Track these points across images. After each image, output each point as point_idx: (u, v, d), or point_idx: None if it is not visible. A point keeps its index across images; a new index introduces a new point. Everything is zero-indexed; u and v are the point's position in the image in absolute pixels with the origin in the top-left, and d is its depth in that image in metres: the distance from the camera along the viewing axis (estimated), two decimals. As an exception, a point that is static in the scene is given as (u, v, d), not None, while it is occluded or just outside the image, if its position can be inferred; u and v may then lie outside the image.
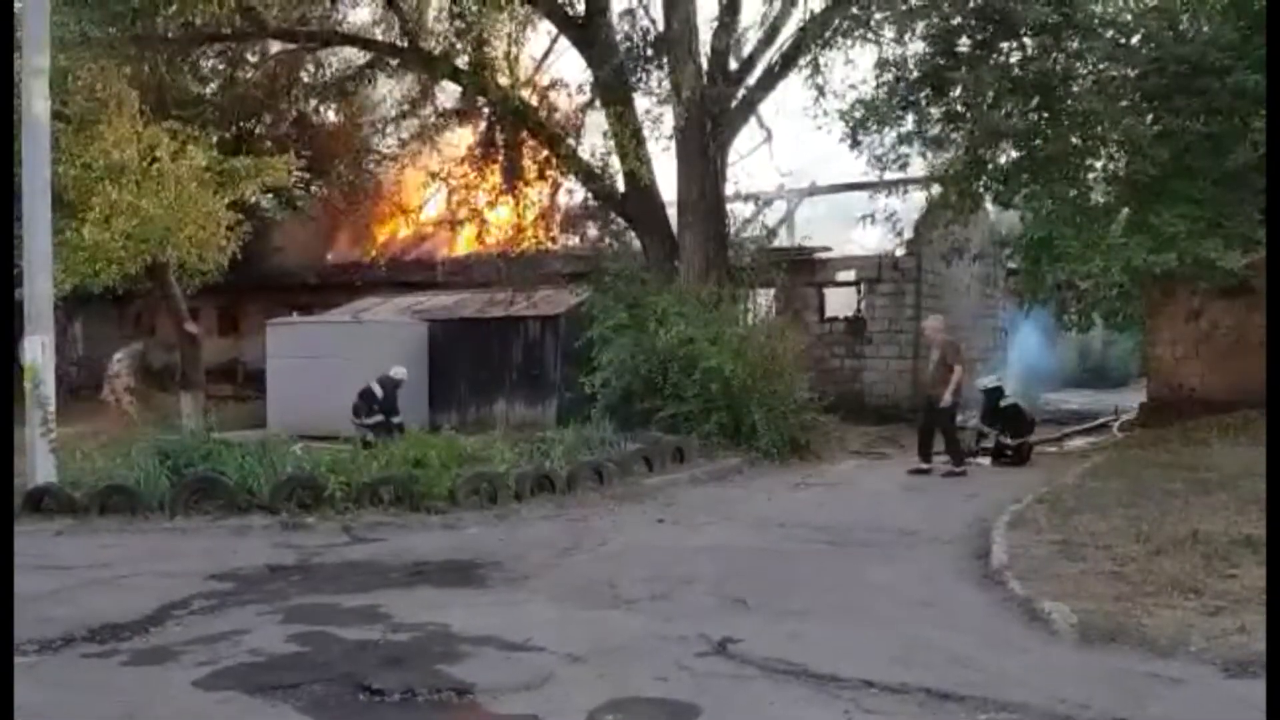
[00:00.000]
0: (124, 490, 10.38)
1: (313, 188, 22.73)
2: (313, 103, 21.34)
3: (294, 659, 5.67)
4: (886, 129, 12.80)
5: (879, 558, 8.14)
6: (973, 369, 16.46)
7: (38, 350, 10.73)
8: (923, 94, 12.37)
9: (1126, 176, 11.70)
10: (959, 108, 12.28)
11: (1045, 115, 11.71)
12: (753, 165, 17.40)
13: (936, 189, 15.01)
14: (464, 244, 20.62)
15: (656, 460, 12.64)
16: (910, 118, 12.68)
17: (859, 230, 19.44)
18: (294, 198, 22.51)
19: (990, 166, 12.44)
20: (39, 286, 10.77)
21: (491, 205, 16.64)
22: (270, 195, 20.24)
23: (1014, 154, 12.42)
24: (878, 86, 12.94)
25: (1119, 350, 32.11)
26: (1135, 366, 32.45)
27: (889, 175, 15.45)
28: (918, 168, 15.18)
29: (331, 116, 21.88)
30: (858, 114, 12.71)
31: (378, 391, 15.47)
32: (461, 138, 18.20)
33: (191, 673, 5.40)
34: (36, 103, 10.85)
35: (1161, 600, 5.99)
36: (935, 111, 12.50)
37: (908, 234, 17.96)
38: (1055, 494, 9.72)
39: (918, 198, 18.62)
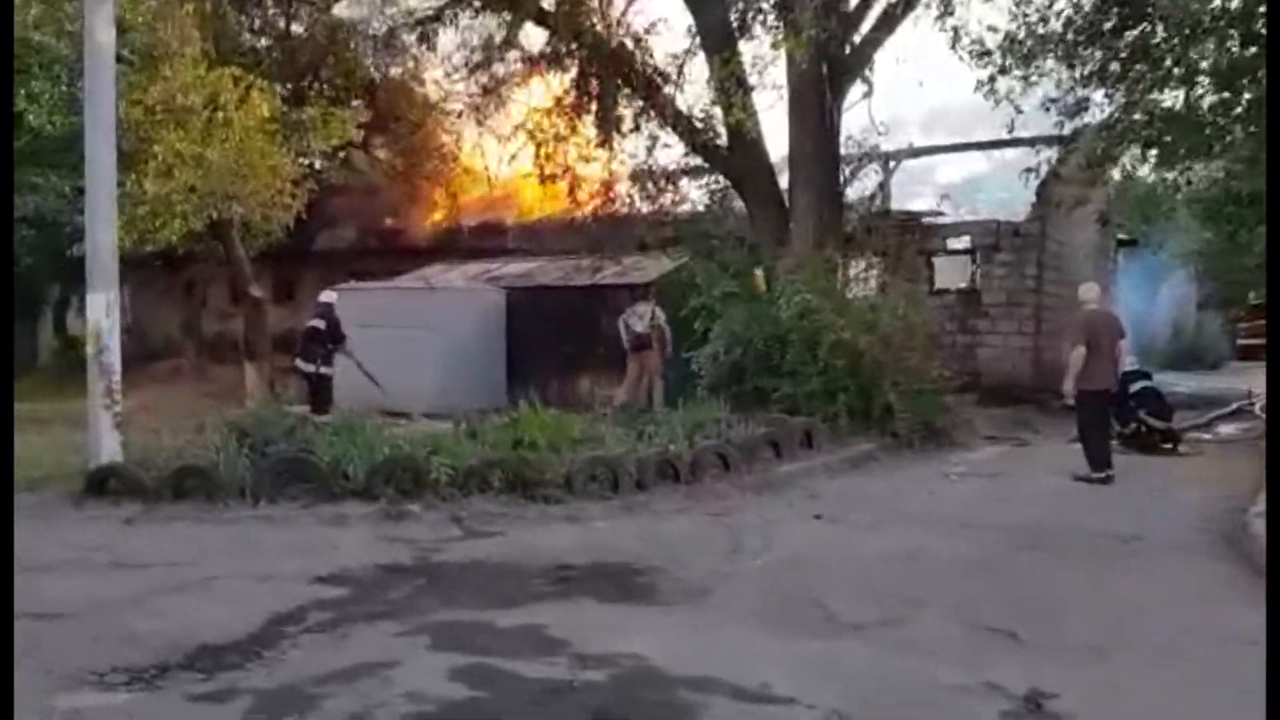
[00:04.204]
0: (200, 472, 9.10)
1: (372, 148, 21.39)
2: (376, 55, 19.95)
3: (470, 709, 4.33)
4: (1054, 67, 11.09)
5: (1122, 571, 6.72)
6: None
7: (101, 310, 9.45)
8: (1108, 24, 10.65)
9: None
10: (1155, 41, 10.59)
11: (1254, 50, 10.05)
12: (853, 121, 15.43)
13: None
14: (539, 207, 19.23)
15: (785, 445, 11.22)
16: (1095, 53, 10.99)
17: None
18: (352, 158, 21.18)
19: (1187, 111, 10.74)
20: (102, 238, 9.48)
21: (584, 160, 15.16)
22: (329, 154, 18.88)
23: (1213, 98, 10.75)
24: (1035, 20, 11.26)
25: (1210, 330, 30.44)
26: (1226, 347, 30.92)
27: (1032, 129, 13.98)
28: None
29: (396, 71, 20.46)
30: (1021, 48, 11.01)
31: (320, 325, 13.58)
32: (541, 91, 16.70)
33: (341, 731, 4.07)
34: (101, 33, 9.55)
35: None
36: (1123, 43, 10.74)
37: (1029, 198, 16.42)
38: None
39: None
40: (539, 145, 15.19)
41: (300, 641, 5.40)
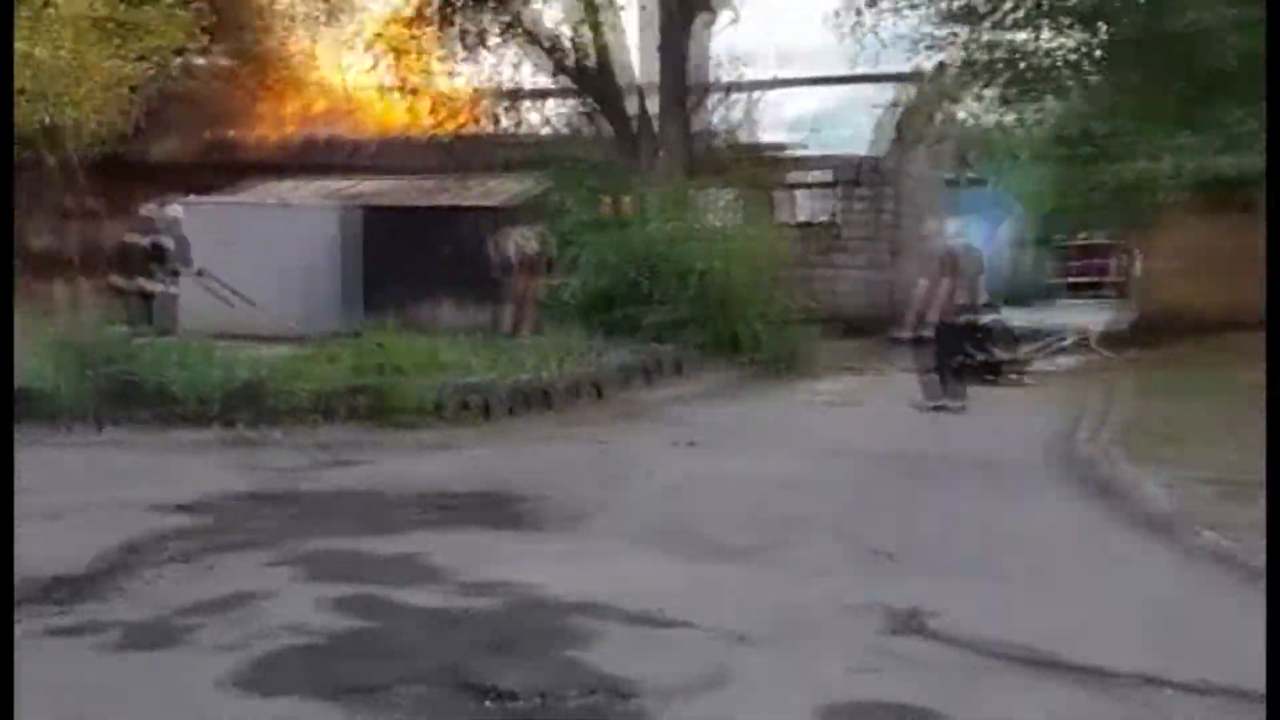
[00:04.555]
0: (39, 395, 8.46)
1: (213, 54, 20.05)
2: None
3: (357, 640, 4.16)
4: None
5: (983, 494, 6.98)
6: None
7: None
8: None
9: (1199, 68, 10.50)
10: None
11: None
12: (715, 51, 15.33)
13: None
14: (396, 124, 18.44)
15: (656, 373, 11.25)
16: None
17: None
18: (193, 66, 19.83)
19: (1044, 51, 11.04)
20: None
21: (446, 75, 14.59)
22: (168, 59, 17.61)
23: (1073, 40, 11.07)
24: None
25: (1043, 267, 31.98)
26: (1056, 286, 32.59)
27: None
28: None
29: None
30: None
31: (143, 241, 12.57)
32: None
33: (218, 664, 3.82)
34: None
35: None
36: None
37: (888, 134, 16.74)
38: (1130, 418, 8.71)
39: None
40: (398, 57, 14.51)
41: (164, 572, 5.10)
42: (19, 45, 11.83)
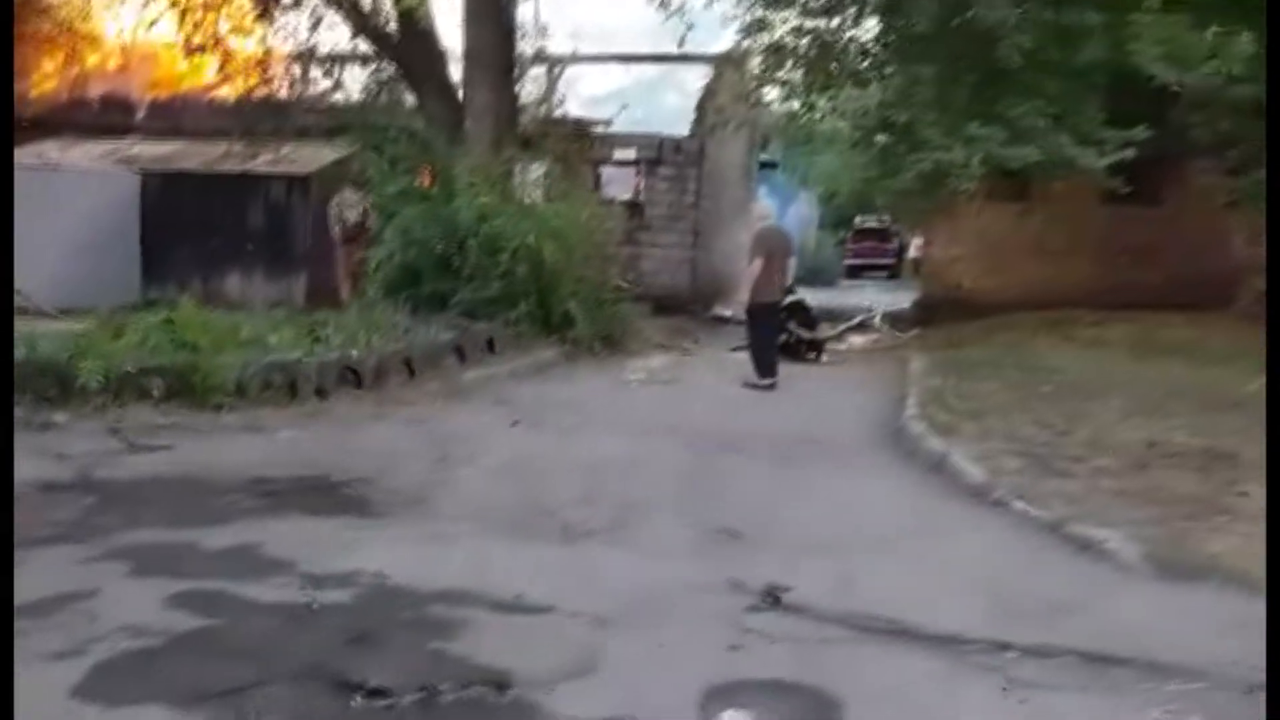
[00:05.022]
0: None
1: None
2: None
3: (205, 639, 3.87)
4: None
5: (815, 469, 7.21)
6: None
7: None
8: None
9: (987, 64, 11.16)
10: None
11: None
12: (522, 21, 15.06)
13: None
14: (178, 83, 17.19)
15: (469, 351, 11.00)
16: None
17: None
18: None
19: (849, 40, 11.48)
20: None
21: (238, 33, 13.68)
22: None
23: (874, 30, 11.54)
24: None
25: (827, 249, 33.44)
26: (838, 266, 34.19)
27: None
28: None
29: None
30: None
31: None
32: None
33: (59, 671, 3.49)
34: None
35: (1204, 523, 5.45)
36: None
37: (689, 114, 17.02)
38: (933, 395, 9.20)
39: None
40: (184, 12, 13.52)
41: (-44, 574, 4.56)
42: None
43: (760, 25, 12.65)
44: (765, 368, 10.73)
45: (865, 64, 11.84)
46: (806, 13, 11.81)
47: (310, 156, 15.24)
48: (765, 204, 11.39)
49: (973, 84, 11.50)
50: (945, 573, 4.96)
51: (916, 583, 4.79)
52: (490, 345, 11.45)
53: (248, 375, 8.70)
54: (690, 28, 13.56)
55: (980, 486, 6.34)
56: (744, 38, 13.15)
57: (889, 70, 11.92)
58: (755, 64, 13.95)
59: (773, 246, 10.77)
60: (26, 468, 6.47)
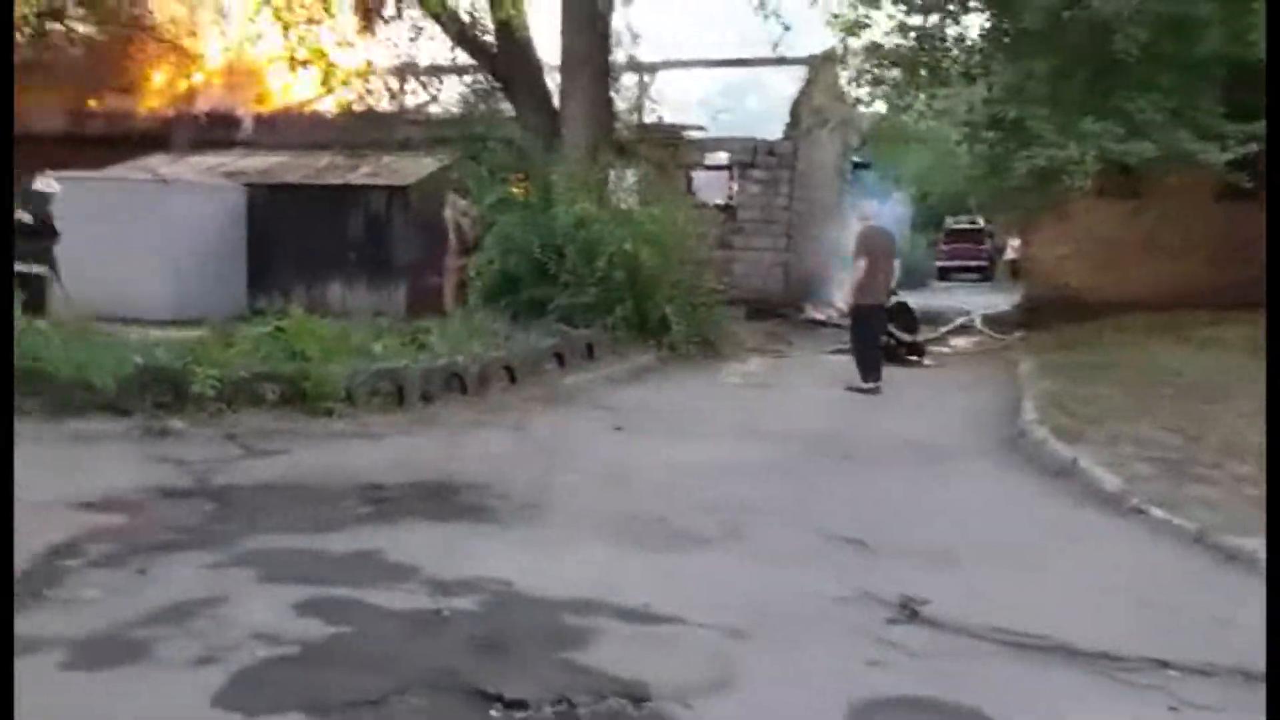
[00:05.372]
0: (-93, 385, 7.68)
1: (71, 18, 18.75)
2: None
3: (338, 647, 3.85)
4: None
5: (930, 476, 7.00)
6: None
7: None
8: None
9: (1101, 57, 10.77)
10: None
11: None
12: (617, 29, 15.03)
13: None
14: (280, 97, 17.59)
15: (568, 357, 10.99)
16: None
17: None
18: (52, 33, 18.51)
19: (954, 37, 11.18)
20: None
21: (340, 46, 13.91)
22: (25, 23, 16.40)
23: (984, 24, 11.23)
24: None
25: (920, 251, 32.85)
26: (930, 270, 33.57)
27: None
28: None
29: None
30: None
31: (28, 219, 11.88)
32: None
33: (199, 679, 3.48)
34: None
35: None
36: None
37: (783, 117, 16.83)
38: (1050, 398, 8.88)
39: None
40: (287, 27, 13.79)
41: (90, 578, 4.65)
42: None
43: (859, 24, 12.41)
44: (869, 371, 10.50)
45: (971, 60, 11.50)
46: (909, 10, 11.52)
47: (410, 167, 15.43)
48: (869, 204, 11.17)
49: (1086, 78, 11.11)
50: (1089, 585, 4.73)
51: (1060, 595, 4.58)
52: (589, 350, 11.43)
53: (356, 382, 8.79)
54: (787, 29, 13.37)
55: (1114, 494, 6.07)
56: (843, 37, 12.91)
57: (996, 66, 11.56)
58: (853, 64, 13.70)
59: (876, 247, 10.55)
60: (147, 474, 6.65)
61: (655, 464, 7.26)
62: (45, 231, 11.78)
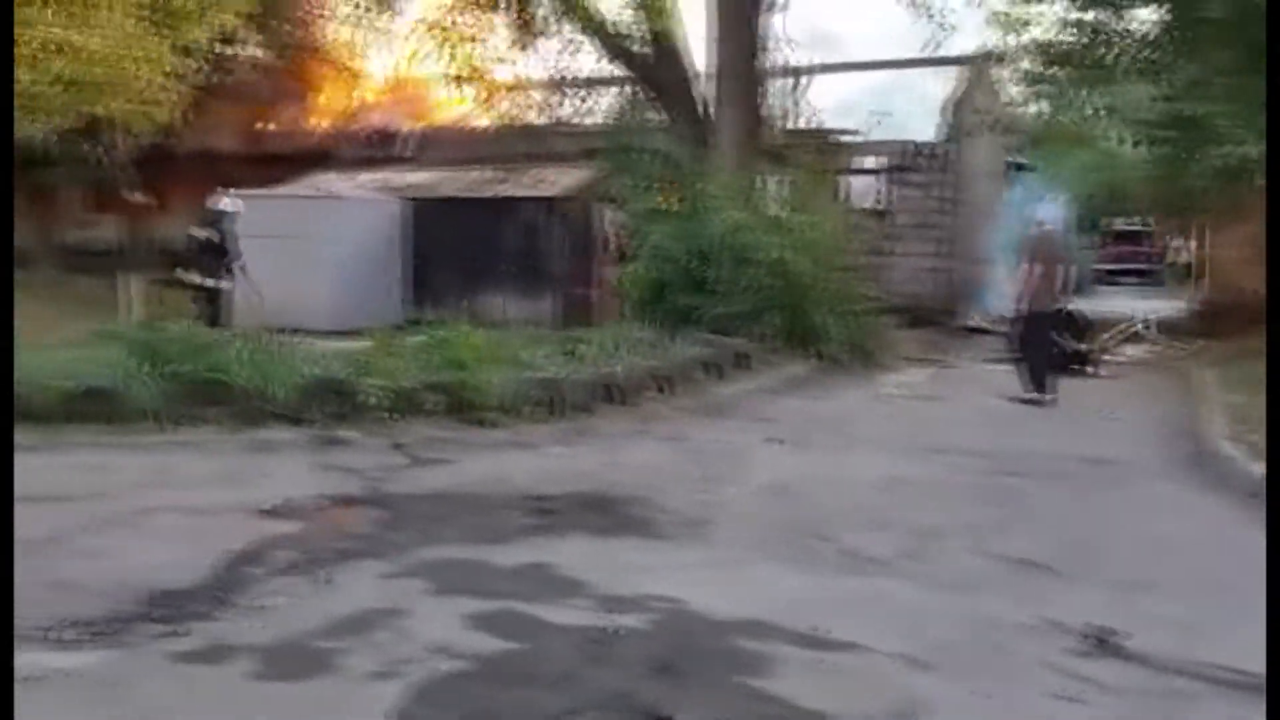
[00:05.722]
0: (103, 394, 8.14)
1: (247, 44, 19.71)
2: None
3: (511, 663, 3.84)
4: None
5: (1113, 496, 6.63)
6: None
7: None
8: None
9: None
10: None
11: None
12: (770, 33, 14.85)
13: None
14: (442, 114, 18.09)
15: (721, 367, 10.89)
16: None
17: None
18: (228, 56, 19.49)
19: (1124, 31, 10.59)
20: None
21: (497, 62, 14.20)
22: (207, 48, 17.26)
23: (1158, 17, 10.62)
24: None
25: (1081, 254, 31.45)
26: (1091, 274, 32.10)
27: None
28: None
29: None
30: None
31: (209, 236, 12.47)
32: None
33: (380, 692, 3.52)
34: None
35: None
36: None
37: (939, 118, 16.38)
38: (1240, 413, 8.31)
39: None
40: (448, 46, 14.14)
41: (273, 585, 4.78)
42: (63, 34, 11.59)
43: (1024, 22, 11.92)
44: (1038, 381, 10.05)
45: (1142, 55, 10.88)
46: (1076, 4, 10.99)
47: (562, 178, 15.62)
48: (1041, 208, 10.72)
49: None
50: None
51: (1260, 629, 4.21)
52: (744, 360, 11.30)
53: (514, 392, 8.90)
54: (950, 30, 12.99)
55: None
56: (1006, 35, 12.45)
57: (1172, 60, 10.91)
58: (1017, 62, 13.19)
59: (1046, 252, 10.11)
60: (321, 482, 6.86)
61: (818, 479, 7.09)
62: (227, 249, 12.37)
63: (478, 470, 7.29)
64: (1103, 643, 4.10)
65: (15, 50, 11.26)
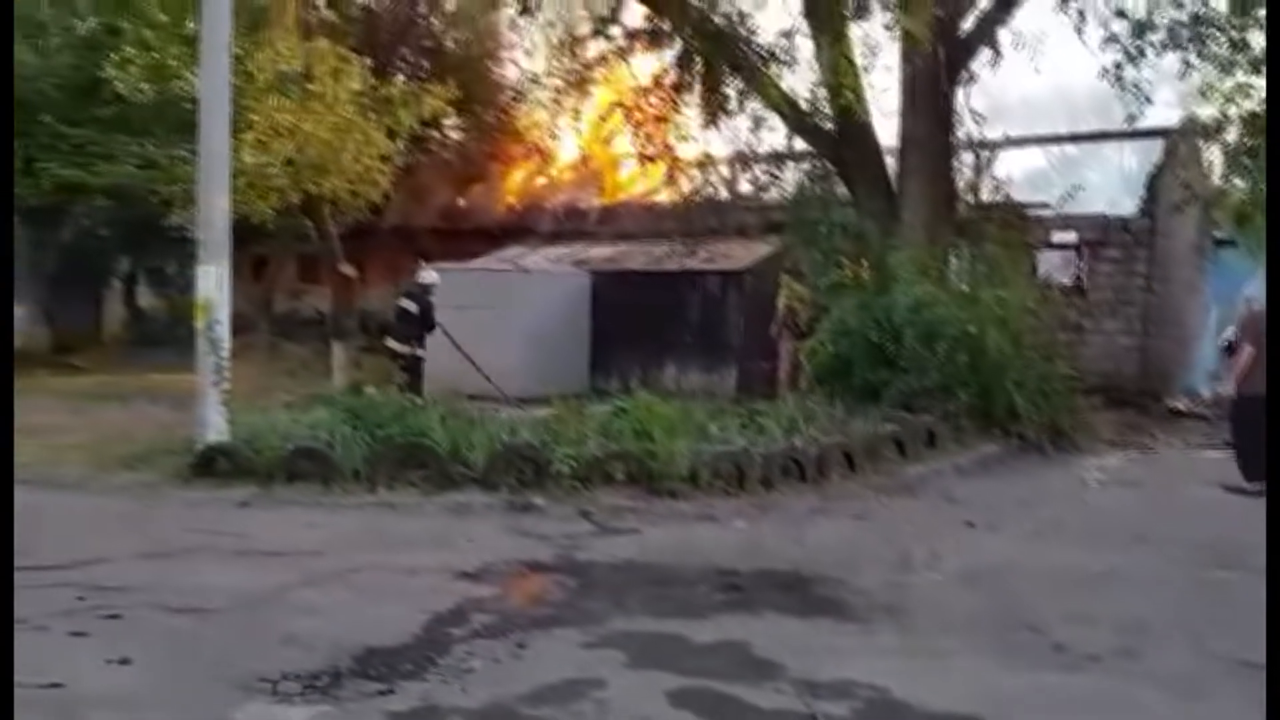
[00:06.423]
0: (316, 455, 8.65)
1: (448, 126, 20.87)
2: (457, 30, 19.47)
3: (717, 747, 3.82)
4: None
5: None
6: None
7: (212, 283, 9.01)
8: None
9: None
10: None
11: None
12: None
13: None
14: (627, 190, 18.65)
15: (909, 444, 10.64)
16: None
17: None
18: (429, 137, 20.69)
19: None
20: (216, 208, 9.04)
21: (684, 140, 14.53)
22: (415, 131, 18.36)
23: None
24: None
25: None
26: None
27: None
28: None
29: (478, 49, 19.97)
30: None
31: (413, 307, 13.08)
32: (635, 70, 15.91)
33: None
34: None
35: None
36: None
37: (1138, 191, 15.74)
38: None
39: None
40: (637, 125, 14.57)
41: (475, 648, 4.92)
42: (290, 119, 12.58)
43: (1243, 91, 11.39)
44: (1254, 469, 9.38)
45: None
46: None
47: (744, 252, 15.78)
48: (1253, 285, 10.12)
49: None
50: None
51: None
52: (930, 438, 11.00)
53: (699, 463, 8.94)
54: (1149, 102, 12.53)
55: None
56: (1220, 107, 11.90)
57: None
58: (1223, 135, 12.57)
59: (1260, 331, 9.49)
60: (515, 547, 7.05)
61: (1015, 566, 6.81)
62: (426, 319, 13.01)
63: (664, 541, 7.34)
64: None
65: (249, 134, 12.36)
